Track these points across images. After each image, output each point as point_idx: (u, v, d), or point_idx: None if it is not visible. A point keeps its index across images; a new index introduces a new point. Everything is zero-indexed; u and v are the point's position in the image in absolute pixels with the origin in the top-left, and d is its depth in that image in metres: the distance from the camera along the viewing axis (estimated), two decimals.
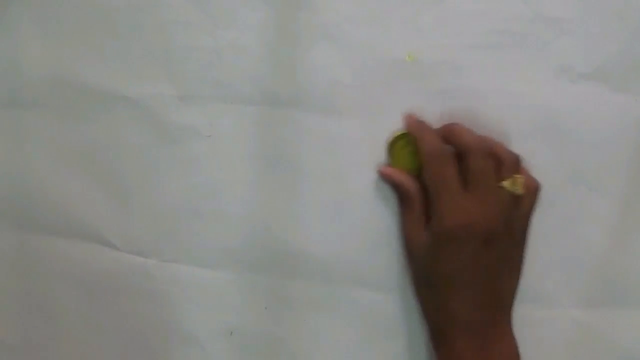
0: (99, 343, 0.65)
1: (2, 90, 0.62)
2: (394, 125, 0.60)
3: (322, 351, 0.65)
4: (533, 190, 0.55)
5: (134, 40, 0.60)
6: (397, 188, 0.57)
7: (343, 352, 0.64)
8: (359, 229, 0.61)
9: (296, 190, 0.61)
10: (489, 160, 0.53)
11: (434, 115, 0.59)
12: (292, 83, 0.60)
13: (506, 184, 0.53)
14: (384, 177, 0.58)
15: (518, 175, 0.54)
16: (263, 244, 0.62)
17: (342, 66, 0.59)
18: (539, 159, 0.59)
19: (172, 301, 0.64)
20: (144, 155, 0.62)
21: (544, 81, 0.58)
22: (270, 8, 0.58)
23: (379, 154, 0.60)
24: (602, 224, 0.60)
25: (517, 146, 0.59)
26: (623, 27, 0.56)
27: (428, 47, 0.58)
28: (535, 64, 0.58)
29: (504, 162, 0.54)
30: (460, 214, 0.51)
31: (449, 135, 0.55)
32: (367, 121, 0.60)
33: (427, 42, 0.58)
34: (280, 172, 0.61)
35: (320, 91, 0.60)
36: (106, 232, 0.63)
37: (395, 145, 0.58)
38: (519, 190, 0.54)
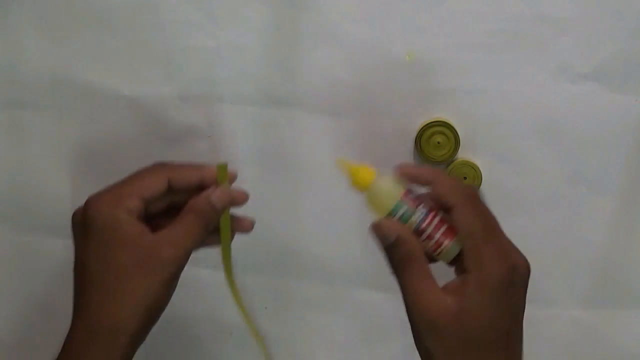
0: None
1: (2, 90, 0.62)
2: (394, 125, 0.60)
3: (322, 351, 0.65)
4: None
5: (134, 40, 0.60)
6: (401, 250, 0.45)
7: (343, 351, 0.64)
8: (359, 229, 0.61)
9: (296, 190, 0.61)
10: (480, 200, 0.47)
11: (434, 115, 0.59)
12: (292, 83, 0.60)
13: None
14: (379, 233, 0.46)
15: None
16: (263, 244, 0.62)
17: (342, 66, 0.59)
18: (539, 159, 0.59)
19: (172, 301, 0.64)
20: (144, 155, 0.62)
21: (544, 81, 0.58)
22: (270, 8, 0.58)
23: (379, 154, 0.60)
24: (602, 224, 0.60)
25: (517, 146, 0.59)
26: (623, 27, 0.56)
27: (428, 47, 0.58)
28: (535, 64, 0.58)
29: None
30: (509, 256, 0.44)
31: (434, 179, 0.46)
32: (367, 121, 0.60)
33: (427, 42, 0.58)
34: (280, 172, 0.61)
35: (320, 91, 0.60)
36: None
37: (422, 136, 0.58)
38: None
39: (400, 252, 0.45)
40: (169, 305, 0.50)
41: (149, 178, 0.49)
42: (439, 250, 0.46)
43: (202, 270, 0.63)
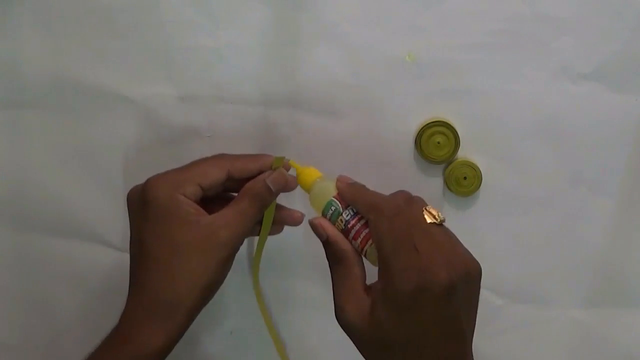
0: (98, 343, 0.65)
1: (2, 90, 0.62)
2: (394, 125, 0.60)
3: (322, 351, 0.65)
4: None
5: (134, 40, 0.60)
6: (331, 249, 0.48)
7: (342, 351, 0.64)
8: None
9: (296, 190, 0.61)
10: (415, 207, 0.47)
11: (434, 115, 0.59)
12: (292, 83, 0.60)
13: (431, 218, 0.46)
14: (314, 231, 0.50)
15: (428, 206, 0.47)
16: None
17: (342, 66, 0.59)
18: (539, 159, 0.59)
19: None
20: (144, 155, 0.62)
21: (544, 81, 0.58)
22: (270, 8, 0.58)
23: (379, 154, 0.60)
24: (602, 224, 0.60)
25: (517, 146, 0.59)
26: (623, 27, 0.56)
27: (428, 47, 0.58)
28: (535, 64, 0.58)
29: (414, 201, 0.48)
30: (420, 272, 0.43)
31: (353, 197, 0.49)
32: (367, 121, 0.60)
33: (427, 42, 0.58)
34: None
35: (320, 91, 0.60)
36: (106, 232, 0.63)
37: (422, 136, 0.58)
38: (441, 216, 0.46)
39: (330, 252, 0.49)
40: None
41: (210, 167, 0.50)
42: (363, 252, 0.49)
43: None
